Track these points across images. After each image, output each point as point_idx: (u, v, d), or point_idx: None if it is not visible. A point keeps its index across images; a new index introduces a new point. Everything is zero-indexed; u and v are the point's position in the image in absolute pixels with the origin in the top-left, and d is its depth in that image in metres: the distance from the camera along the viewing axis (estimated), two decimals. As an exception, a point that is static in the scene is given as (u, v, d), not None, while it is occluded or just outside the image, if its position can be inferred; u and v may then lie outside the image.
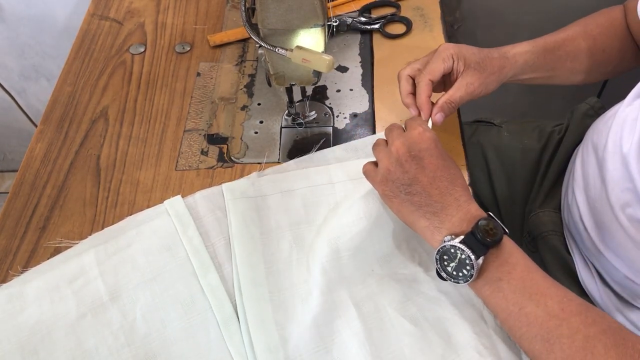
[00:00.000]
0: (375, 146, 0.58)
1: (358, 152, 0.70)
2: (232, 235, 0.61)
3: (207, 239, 0.62)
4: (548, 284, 0.48)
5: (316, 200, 0.64)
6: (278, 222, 0.62)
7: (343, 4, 0.89)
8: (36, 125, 0.88)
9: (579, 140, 0.75)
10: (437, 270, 0.52)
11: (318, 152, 0.70)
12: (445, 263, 0.50)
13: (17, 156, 1.64)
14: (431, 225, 0.52)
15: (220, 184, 0.67)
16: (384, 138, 0.59)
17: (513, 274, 0.48)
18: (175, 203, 0.64)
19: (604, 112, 0.70)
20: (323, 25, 0.60)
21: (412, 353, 0.53)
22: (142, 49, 0.85)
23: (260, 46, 0.61)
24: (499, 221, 0.49)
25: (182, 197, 0.66)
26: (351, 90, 0.78)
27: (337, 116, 0.75)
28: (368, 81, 0.79)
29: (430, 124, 0.62)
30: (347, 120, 0.75)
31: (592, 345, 0.44)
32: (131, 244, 0.61)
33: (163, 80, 0.81)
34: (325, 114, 0.76)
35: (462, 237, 0.49)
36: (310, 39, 0.60)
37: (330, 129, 0.74)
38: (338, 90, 0.78)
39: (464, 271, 0.49)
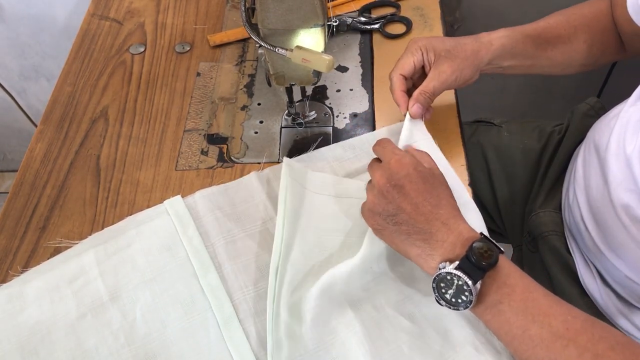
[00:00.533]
0: (368, 182, 0.58)
1: (355, 150, 0.70)
2: (283, 200, 0.61)
3: (207, 239, 0.62)
4: (550, 302, 0.46)
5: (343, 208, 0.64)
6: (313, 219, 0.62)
7: (343, 4, 0.89)
8: (36, 125, 0.88)
9: (579, 141, 0.74)
10: (435, 298, 0.50)
11: (316, 150, 0.70)
12: (443, 291, 0.49)
13: (17, 156, 1.64)
14: (423, 253, 0.51)
15: (220, 184, 0.67)
16: (385, 138, 0.59)
17: (513, 296, 0.47)
18: (175, 203, 0.65)
19: (604, 112, 0.70)
20: (323, 25, 0.60)
21: (410, 350, 0.53)
22: (142, 49, 0.85)
23: (260, 46, 0.61)
24: (493, 241, 0.48)
25: (182, 197, 0.66)
26: (351, 90, 0.78)
27: (337, 116, 0.75)
28: (368, 81, 0.79)
29: (408, 116, 0.64)
30: (347, 120, 0.75)
31: None
32: (131, 244, 0.61)
33: (163, 80, 0.81)
34: (325, 114, 0.76)
35: (457, 262, 0.47)
36: (310, 39, 0.60)
37: (330, 129, 0.74)
38: (338, 90, 0.78)
39: (463, 297, 0.48)
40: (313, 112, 0.74)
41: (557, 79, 1.27)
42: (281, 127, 0.74)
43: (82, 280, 0.59)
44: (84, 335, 0.56)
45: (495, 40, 0.65)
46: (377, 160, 0.58)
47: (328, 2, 0.88)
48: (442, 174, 0.56)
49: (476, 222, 0.57)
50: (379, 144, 0.58)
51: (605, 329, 0.45)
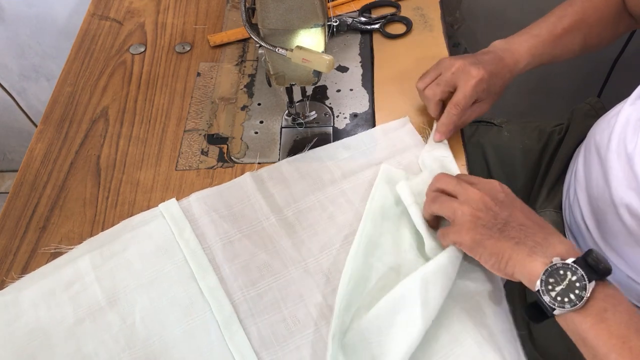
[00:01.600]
0: (437, 202, 0.56)
1: (351, 149, 0.70)
2: (367, 211, 0.61)
3: (203, 241, 0.62)
4: None
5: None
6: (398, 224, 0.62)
7: (343, 4, 0.89)
8: (36, 125, 0.88)
9: (579, 140, 0.75)
10: (538, 292, 0.48)
11: (311, 150, 0.70)
12: (550, 287, 0.47)
13: (17, 156, 1.64)
14: (533, 253, 0.49)
15: (220, 184, 0.67)
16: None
17: (619, 307, 0.45)
18: (170, 206, 0.65)
19: (604, 112, 0.70)
20: (323, 25, 0.60)
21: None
22: (142, 49, 0.85)
23: (260, 46, 0.61)
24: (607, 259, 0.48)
25: (181, 197, 0.66)
26: (351, 90, 0.78)
27: (337, 116, 0.75)
28: (368, 81, 0.79)
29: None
30: (347, 120, 0.75)
31: None
32: (127, 248, 0.61)
33: (163, 80, 0.81)
34: (325, 114, 0.76)
35: (573, 258, 0.47)
36: (311, 39, 0.60)
37: (330, 129, 0.74)
38: (338, 90, 0.78)
39: (572, 296, 0.46)
40: (313, 112, 0.74)
41: (557, 79, 1.27)
42: (281, 127, 0.74)
43: (79, 286, 0.59)
44: (83, 340, 0.56)
45: (520, 59, 0.68)
46: (447, 182, 0.57)
47: (328, 2, 0.88)
48: None
49: None
50: (447, 178, 0.58)
51: None
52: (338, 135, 0.73)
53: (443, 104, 0.67)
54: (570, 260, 0.47)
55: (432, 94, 0.66)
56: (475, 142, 0.85)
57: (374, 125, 0.73)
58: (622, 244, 0.59)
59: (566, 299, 0.46)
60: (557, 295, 0.47)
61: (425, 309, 0.52)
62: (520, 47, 0.67)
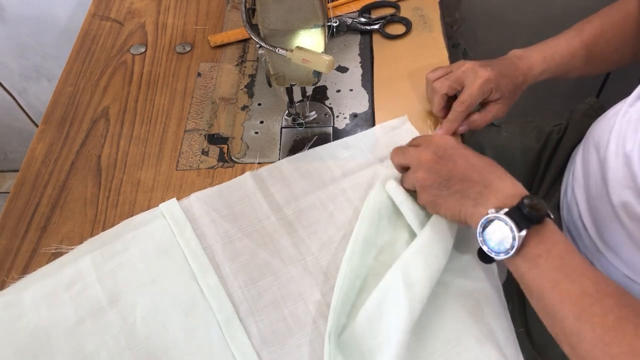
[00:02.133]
0: (403, 179, 0.60)
1: (350, 148, 0.70)
2: (364, 212, 0.61)
3: (204, 241, 0.62)
4: (586, 265, 0.47)
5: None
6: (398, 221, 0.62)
7: (343, 4, 0.89)
8: (37, 125, 0.89)
9: (578, 140, 0.75)
10: (479, 242, 0.51)
11: (310, 150, 0.70)
12: (488, 237, 0.50)
13: (18, 156, 1.64)
14: (477, 204, 0.52)
15: (221, 184, 0.67)
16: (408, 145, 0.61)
17: (552, 252, 0.48)
18: (170, 206, 0.65)
19: (603, 112, 0.70)
20: (323, 26, 0.60)
21: (412, 343, 0.53)
22: (142, 50, 0.85)
23: (261, 46, 0.61)
24: (544, 203, 0.49)
25: (181, 197, 0.66)
26: (351, 90, 0.79)
27: (337, 116, 0.75)
28: (368, 81, 0.79)
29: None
30: (347, 121, 0.75)
31: (624, 326, 0.43)
32: (127, 248, 0.62)
33: (164, 81, 0.81)
34: (325, 114, 0.76)
35: (506, 209, 0.49)
36: (310, 40, 0.61)
37: (330, 129, 0.74)
38: (338, 91, 0.79)
39: (506, 244, 0.49)
40: (313, 113, 0.75)
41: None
42: (281, 127, 0.75)
43: (80, 286, 0.59)
44: (84, 340, 0.56)
45: (534, 68, 0.69)
46: (399, 155, 0.60)
47: (328, 2, 0.88)
48: None
49: None
50: (399, 151, 0.61)
51: (635, 299, 0.45)
52: (338, 135, 0.73)
53: (447, 101, 0.69)
54: (502, 213, 0.49)
55: (440, 86, 0.68)
56: (475, 142, 0.85)
57: (373, 125, 0.74)
58: (620, 243, 0.59)
59: (501, 248, 0.49)
60: (494, 244, 0.50)
61: (410, 291, 0.52)
62: (535, 54, 0.69)
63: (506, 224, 0.48)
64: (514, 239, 0.48)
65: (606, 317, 0.44)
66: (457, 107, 0.67)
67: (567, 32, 0.71)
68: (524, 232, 0.48)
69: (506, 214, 0.48)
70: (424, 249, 0.55)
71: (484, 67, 0.66)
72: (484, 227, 0.50)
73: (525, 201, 0.48)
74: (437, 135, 0.58)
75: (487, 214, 0.50)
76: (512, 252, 0.48)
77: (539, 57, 0.69)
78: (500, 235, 0.49)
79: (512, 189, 0.51)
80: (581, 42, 0.70)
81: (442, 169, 0.55)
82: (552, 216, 0.49)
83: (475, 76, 0.65)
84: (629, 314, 0.44)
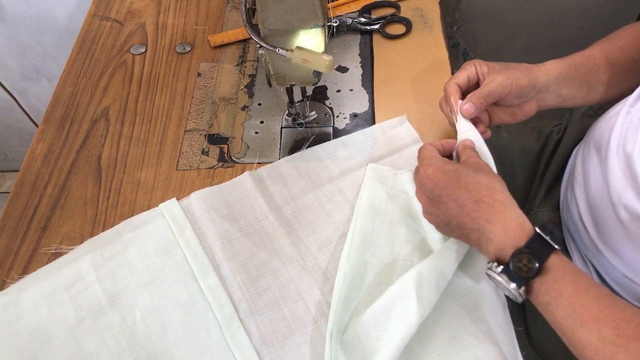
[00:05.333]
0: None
1: (349, 147, 0.70)
2: (357, 210, 0.62)
3: (203, 240, 0.62)
4: (601, 307, 0.45)
5: None
6: (395, 218, 0.62)
7: (343, 4, 0.89)
8: (37, 126, 0.89)
9: (578, 140, 0.75)
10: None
11: (309, 149, 0.70)
12: (494, 283, 0.51)
13: (18, 156, 1.64)
14: (480, 250, 0.53)
15: (221, 183, 0.67)
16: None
17: (561, 300, 0.46)
18: (170, 206, 0.65)
19: (602, 112, 0.70)
20: (323, 26, 0.60)
21: (412, 342, 0.53)
22: (142, 50, 0.85)
23: (261, 46, 0.61)
24: (544, 236, 0.48)
25: (182, 197, 0.66)
26: (351, 90, 0.79)
27: (337, 116, 0.76)
28: (368, 81, 0.79)
29: (459, 116, 0.63)
30: (347, 120, 0.75)
31: None
32: (127, 248, 0.62)
33: (164, 81, 0.81)
34: (325, 114, 0.76)
35: (502, 267, 0.49)
36: (311, 40, 0.61)
37: (330, 129, 0.74)
38: (338, 91, 0.79)
39: (510, 296, 0.50)
40: (313, 113, 0.75)
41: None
42: (281, 127, 0.75)
43: (80, 286, 0.59)
44: (84, 340, 0.56)
45: (547, 64, 0.66)
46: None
47: (328, 2, 0.88)
48: (476, 162, 0.57)
49: None
50: (419, 152, 0.61)
51: None
52: (338, 135, 0.73)
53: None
54: (496, 274, 0.49)
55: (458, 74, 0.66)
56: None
57: (373, 125, 0.74)
58: (620, 243, 0.59)
59: (511, 295, 0.50)
60: (501, 288, 0.50)
61: (420, 304, 0.52)
62: (544, 64, 0.67)
63: (500, 284, 0.49)
64: (514, 295, 0.49)
65: None
66: (477, 93, 0.63)
67: (573, 55, 0.69)
68: (522, 290, 0.48)
69: (502, 272, 0.49)
70: (438, 267, 0.55)
71: (502, 72, 0.64)
72: (488, 277, 0.51)
73: (514, 261, 0.48)
74: (422, 175, 0.56)
75: (487, 268, 0.50)
76: (521, 299, 0.49)
77: (548, 64, 0.66)
78: (504, 288, 0.49)
79: (504, 234, 0.50)
80: (587, 58, 0.68)
81: (439, 212, 0.55)
82: (557, 248, 0.48)
83: (492, 76, 0.64)
84: None
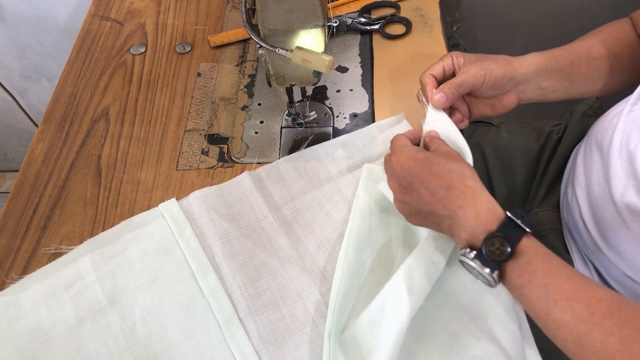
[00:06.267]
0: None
1: (347, 147, 0.70)
2: (354, 210, 0.62)
3: (203, 240, 0.62)
4: (574, 286, 0.46)
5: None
6: (394, 220, 0.62)
7: (343, 4, 0.89)
8: (37, 126, 0.89)
9: (578, 140, 0.75)
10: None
11: (308, 149, 0.71)
12: (470, 272, 0.51)
13: (18, 156, 1.64)
14: (452, 236, 0.53)
15: (221, 183, 0.67)
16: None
17: (533, 282, 0.47)
18: (170, 206, 0.65)
19: (602, 112, 0.70)
20: (323, 26, 0.60)
21: (411, 343, 0.54)
22: (142, 50, 0.85)
23: (261, 47, 0.61)
24: (514, 219, 0.48)
25: (182, 197, 0.66)
26: (351, 90, 0.79)
27: (337, 116, 0.76)
28: (368, 81, 0.79)
29: (430, 108, 0.62)
30: (347, 120, 0.75)
31: (629, 346, 0.42)
32: (127, 248, 0.62)
33: (164, 81, 0.81)
34: (325, 114, 0.76)
35: (474, 252, 0.49)
36: (311, 40, 0.61)
37: (330, 129, 0.74)
38: (338, 91, 0.79)
39: (484, 281, 0.50)
40: (313, 113, 0.75)
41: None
42: (281, 127, 0.75)
43: (79, 286, 0.59)
44: (84, 340, 0.56)
45: (528, 57, 0.66)
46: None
47: (328, 2, 0.88)
48: (446, 150, 0.56)
49: None
50: (392, 141, 0.60)
51: (633, 311, 0.44)
52: (338, 135, 0.73)
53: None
54: (469, 259, 0.49)
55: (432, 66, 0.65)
56: (474, 142, 0.85)
57: (373, 125, 0.74)
58: (621, 241, 0.59)
59: (483, 282, 0.50)
60: (476, 277, 0.51)
61: (411, 294, 0.52)
62: (524, 56, 0.66)
63: (474, 269, 0.49)
64: (487, 280, 0.49)
65: (608, 342, 0.43)
66: (451, 83, 0.63)
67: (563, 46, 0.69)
68: (495, 274, 0.48)
69: (475, 258, 0.49)
70: (426, 256, 0.55)
71: (476, 63, 0.63)
72: (461, 262, 0.51)
73: (486, 246, 0.48)
74: (394, 162, 0.55)
75: (460, 254, 0.50)
76: (494, 285, 0.49)
77: (529, 57, 0.66)
78: (477, 274, 0.49)
79: (476, 219, 0.49)
80: (576, 49, 0.67)
81: (410, 200, 0.54)
82: (529, 230, 0.48)
83: (466, 68, 0.63)
84: (631, 333, 0.43)
